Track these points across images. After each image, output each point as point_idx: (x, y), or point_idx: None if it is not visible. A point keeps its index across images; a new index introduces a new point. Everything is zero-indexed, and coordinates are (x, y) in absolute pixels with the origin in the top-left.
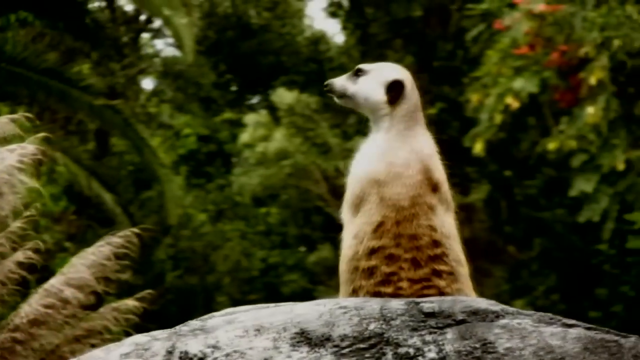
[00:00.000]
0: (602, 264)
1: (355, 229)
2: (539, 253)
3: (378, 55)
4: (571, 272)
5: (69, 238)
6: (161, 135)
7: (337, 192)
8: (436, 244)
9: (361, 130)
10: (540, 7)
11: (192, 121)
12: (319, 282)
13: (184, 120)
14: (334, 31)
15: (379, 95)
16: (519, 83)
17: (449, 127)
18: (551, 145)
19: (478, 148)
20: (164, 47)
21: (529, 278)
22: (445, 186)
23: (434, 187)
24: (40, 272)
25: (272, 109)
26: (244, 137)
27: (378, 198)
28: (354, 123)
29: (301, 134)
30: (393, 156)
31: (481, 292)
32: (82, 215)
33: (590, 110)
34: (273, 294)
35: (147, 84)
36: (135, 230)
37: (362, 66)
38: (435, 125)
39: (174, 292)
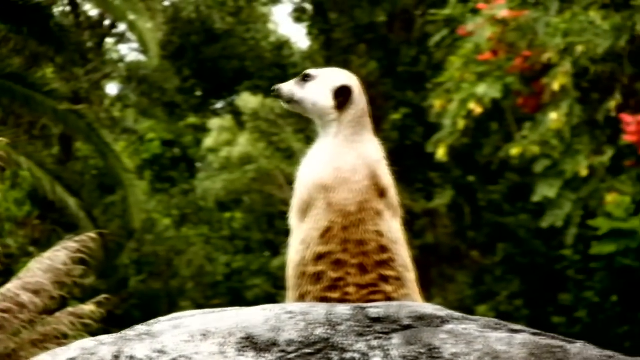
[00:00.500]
0: (566, 269)
1: (302, 235)
2: (502, 258)
3: (342, 60)
4: (535, 278)
5: (33, 243)
6: (125, 140)
7: None
8: (383, 249)
9: None
10: (503, 13)
11: (156, 126)
12: (282, 287)
13: (148, 125)
14: (301, 36)
15: (327, 100)
16: (481, 89)
17: (412, 132)
18: (514, 151)
19: (441, 153)
20: (128, 52)
21: (492, 283)
22: (392, 191)
23: (381, 193)
24: (3, 275)
25: (237, 113)
26: (208, 141)
27: (325, 203)
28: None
29: (265, 139)
30: (340, 162)
31: (445, 298)
32: (46, 220)
33: (553, 116)
34: (237, 299)
35: (112, 88)
36: (92, 234)
37: (309, 71)
38: (399, 131)
39: (138, 296)
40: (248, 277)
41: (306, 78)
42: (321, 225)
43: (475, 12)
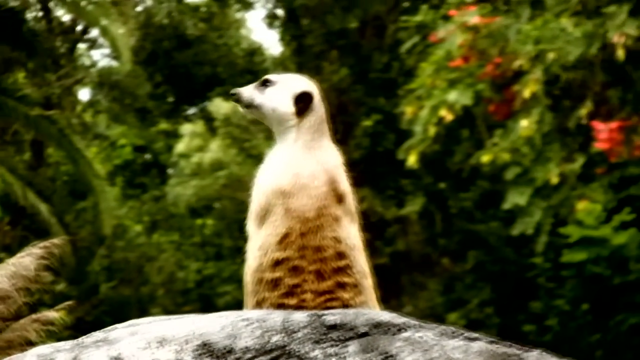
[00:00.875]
0: (536, 277)
1: (260, 241)
2: (473, 266)
3: (314, 66)
4: (506, 286)
5: (4, 249)
6: (97, 145)
7: None
8: (341, 255)
9: None
10: (474, 20)
11: (128, 132)
12: None
13: (119, 131)
14: (274, 42)
15: (287, 106)
16: (453, 95)
17: (384, 139)
18: (485, 158)
19: (412, 160)
20: (101, 57)
21: (463, 291)
22: (350, 197)
23: (340, 199)
24: None
25: (208, 119)
26: (180, 147)
27: (283, 209)
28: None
29: (237, 145)
30: (299, 167)
31: (415, 305)
32: (17, 226)
33: (524, 123)
34: (208, 306)
35: (84, 94)
36: (57, 240)
37: (269, 77)
38: (371, 138)
39: (108, 303)
40: (219, 284)
41: (266, 83)
42: (279, 231)
43: (447, 18)
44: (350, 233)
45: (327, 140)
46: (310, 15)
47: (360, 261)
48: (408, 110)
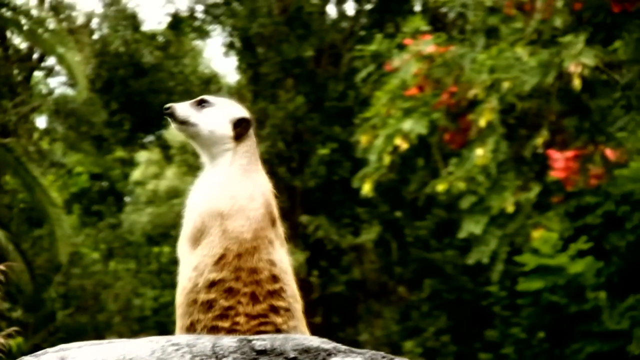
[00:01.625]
0: (492, 305)
1: (195, 261)
2: (429, 294)
3: (270, 94)
4: (462, 314)
5: None
6: (54, 173)
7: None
8: (275, 278)
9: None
10: (429, 49)
11: (85, 159)
12: None
13: (76, 159)
14: (230, 70)
15: (225, 129)
16: (407, 124)
17: (340, 167)
18: (440, 187)
19: (367, 189)
20: (57, 85)
21: (419, 319)
22: (279, 222)
23: (273, 222)
24: None
25: (164, 147)
26: (136, 175)
27: (220, 230)
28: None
29: (192, 173)
30: (236, 190)
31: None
32: None
33: (479, 152)
34: (164, 333)
35: (40, 122)
36: (2, 267)
37: (206, 97)
38: (327, 166)
39: (65, 330)
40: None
41: (203, 103)
42: (215, 252)
43: (402, 47)
44: (283, 257)
45: (260, 166)
46: (266, 43)
47: (292, 285)
48: (363, 138)
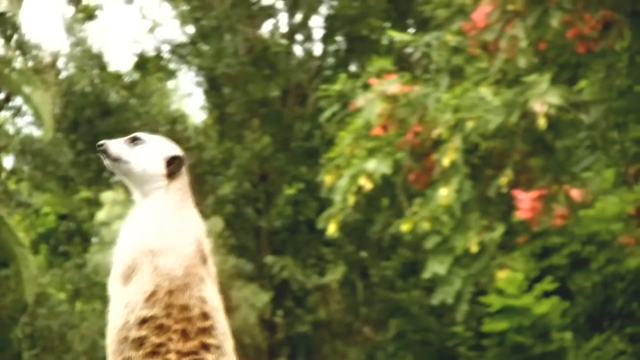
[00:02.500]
0: (458, 346)
1: (126, 298)
2: (395, 335)
3: (236, 135)
4: (427, 354)
5: None
6: (20, 213)
7: None
8: (206, 316)
9: (217, 209)
10: (393, 89)
11: (53, 200)
12: None
13: (43, 199)
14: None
15: (158, 167)
16: (371, 164)
17: (306, 207)
18: (404, 227)
19: (332, 229)
20: (24, 125)
21: None
22: (210, 259)
23: (204, 260)
24: None
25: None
26: (101, 215)
27: (151, 267)
28: (211, 204)
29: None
30: (168, 227)
31: None
32: None
33: (443, 192)
34: None
35: (7, 161)
36: None
37: (140, 135)
38: (293, 206)
39: None
40: None
41: (136, 141)
42: (147, 288)
43: (367, 87)
44: (214, 294)
45: (192, 204)
46: (232, 83)
47: (223, 323)
48: (327, 178)
